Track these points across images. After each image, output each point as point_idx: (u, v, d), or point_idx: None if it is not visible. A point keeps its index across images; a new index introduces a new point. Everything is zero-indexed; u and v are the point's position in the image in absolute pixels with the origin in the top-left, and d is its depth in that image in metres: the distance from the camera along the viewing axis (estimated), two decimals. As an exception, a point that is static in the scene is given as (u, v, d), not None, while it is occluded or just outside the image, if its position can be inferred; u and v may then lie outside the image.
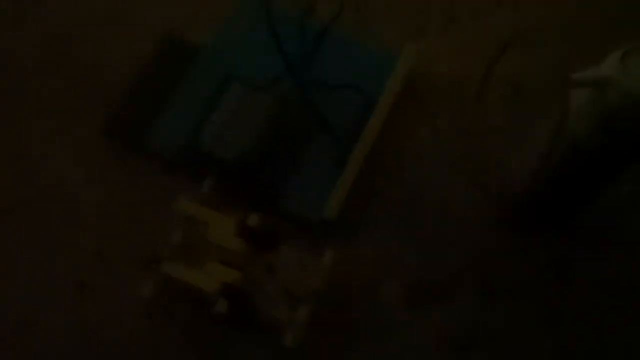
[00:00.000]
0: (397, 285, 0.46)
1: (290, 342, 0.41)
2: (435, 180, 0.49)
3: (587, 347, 0.44)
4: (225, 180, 0.47)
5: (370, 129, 0.48)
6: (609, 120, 0.35)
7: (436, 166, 0.49)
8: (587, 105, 0.35)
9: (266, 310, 0.41)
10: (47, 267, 0.46)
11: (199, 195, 0.45)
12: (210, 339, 0.44)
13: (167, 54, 0.51)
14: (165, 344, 0.44)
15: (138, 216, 0.48)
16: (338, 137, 0.48)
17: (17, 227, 0.48)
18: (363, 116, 0.49)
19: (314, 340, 0.44)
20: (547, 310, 0.45)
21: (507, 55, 0.40)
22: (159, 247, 0.44)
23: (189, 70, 0.51)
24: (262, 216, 0.43)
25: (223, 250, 0.42)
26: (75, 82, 0.52)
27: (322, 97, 0.49)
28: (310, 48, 0.51)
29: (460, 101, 0.51)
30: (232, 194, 0.47)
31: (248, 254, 0.42)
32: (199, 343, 0.44)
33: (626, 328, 0.44)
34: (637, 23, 0.51)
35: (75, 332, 0.45)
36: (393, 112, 0.50)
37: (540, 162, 0.40)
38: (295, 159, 0.48)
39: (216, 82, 0.50)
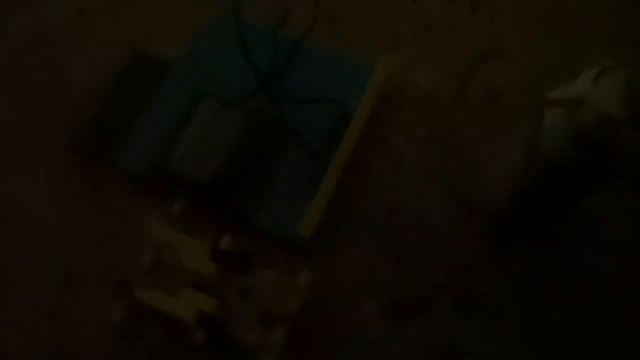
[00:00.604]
0: (377, 302, 0.45)
1: (267, 366, 0.40)
2: (412, 193, 0.48)
3: (566, 354, 0.44)
4: (196, 200, 0.46)
5: (346, 143, 0.47)
6: (583, 137, 0.34)
7: (413, 179, 0.49)
8: (561, 123, 0.35)
9: (241, 335, 0.40)
10: (16, 293, 0.45)
11: (170, 217, 0.44)
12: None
13: (135, 69, 0.50)
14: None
15: (108, 238, 0.46)
16: (313, 151, 0.48)
17: (-17, 253, 0.46)
18: (338, 129, 0.48)
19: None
20: (525, 323, 0.45)
21: (483, 65, 0.40)
22: (129, 271, 0.43)
23: (158, 87, 0.49)
24: (236, 238, 0.42)
25: (196, 274, 0.41)
26: (40, 101, 0.50)
27: (296, 112, 0.48)
28: (283, 61, 0.50)
29: (436, 111, 0.50)
30: (204, 214, 0.46)
31: (221, 278, 0.41)
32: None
33: (604, 338, 0.44)
34: (612, 36, 0.51)
35: (45, 358, 0.44)
36: (369, 124, 0.49)
37: (516, 176, 0.40)
38: (269, 176, 0.47)
39: (186, 98, 0.49)
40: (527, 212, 0.43)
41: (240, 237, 0.45)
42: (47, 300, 0.45)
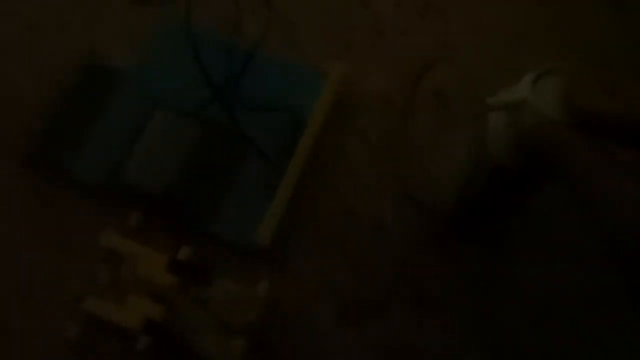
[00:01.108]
0: (333, 306, 0.46)
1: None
2: (367, 196, 0.49)
3: (518, 354, 0.45)
4: (152, 211, 0.46)
5: (301, 149, 0.47)
6: (524, 140, 0.35)
7: (367, 182, 0.49)
8: (503, 127, 0.36)
9: (201, 346, 0.41)
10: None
11: (126, 229, 0.44)
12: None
13: (86, 80, 0.50)
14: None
15: (62, 252, 0.46)
16: (269, 159, 0.48)
17: None
18: (293, 136, 0.48)
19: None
20: (480, 321, 0.46)
21: (433, 71, 0.41)
22: (82, 284, 0.43)
23: (110, 97, 0.49)
24: (193, 249, 0.42)
25: (152, 285, 0.41)
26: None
27: (251, 120, 0.48)
28: (237, 70, 0.50)
29: (388, 115, 0.51)
30: (160, 225, 0.46)
31: (179, 288, 0.41)
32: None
33: (549, 336, 0.45)
34: (552, 41, 0.52)
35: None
36: (323, 129, 0.49)
37: (462, 178, 0.41)
38: (225, 185, 0.47)
39: (140, 109, 0.49)
40: (476, 212, 0.44)
41: (197, 247, 0.45)
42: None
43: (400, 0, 0.55)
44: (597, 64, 0.50)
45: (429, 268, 0.47)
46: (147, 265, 0.41)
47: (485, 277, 0.47)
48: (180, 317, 0.40)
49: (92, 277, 0.42)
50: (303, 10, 0.54)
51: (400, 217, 0.48)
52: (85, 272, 0.44)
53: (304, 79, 0.50)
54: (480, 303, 0.46)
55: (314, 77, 0.50)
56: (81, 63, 0.50)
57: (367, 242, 0.48)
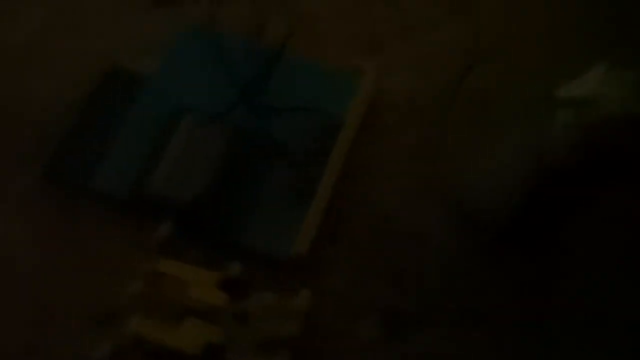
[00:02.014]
0: (375, 320, 0.43)
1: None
2: (405, 203, 0.46)
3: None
4: (181, 222, 0.43)
5: (337, 155, 0.45)
6: (591, 138, 0.33)
7: (405, 188, 0.47)
8: (566, 124, 0.33)
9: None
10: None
11: (155, 242, 0.41)
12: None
13: (106, 86, 0.47)
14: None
15: (88, 269, 0.43)
16: (299, 165, 0.45)
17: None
18: (324, 140, 0.46)
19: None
20: (529, 335, 0.43)
21: (473, 67, 0.38)
22: (113, 302, 0.41)
23: (133, 103, 0.47)
24: (241, 264, 0.39)
25: (205, 305, 0.39)
26: (5, 126, 0.47)
27: (280, 124, 0.46)
28: (262, 72, 0.48)
29: (423, 117, 0.49)
30: (189, 237, 0.43)
31: (219, 305, 0.39)
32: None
33: (611, 351, 0.43)
34: (608, 32, 0.50)
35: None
36: (355, 133, 0.47)
37: (512, 181, 0.38)
38: (256, 193, 0.45)
39: (164, 116, 0.46)
40: (527, 220, 0.41)
41: (229, 259, 0.43)
42: (25, 336, 0.42)
43: (430, -6, 0.53)
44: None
45: (474, 279, 0.45)
46: (199, 285, 0.38)
47: (535, 289, 0.44)
48: (224, 335, 0.38)
49: (124, 294, 0.40)
50: (328, 7, 0.52)
51: (442, 225, 0.46)
52: (113, 288, 0.41)
53: (332, 79, 0.48)
54: (529, 316, 0.44)
55: (343, 77, 0.48)
56: (101, 68, 0.48)
57: (407, 251, 0.45)
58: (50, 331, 0.42)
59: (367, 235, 0.45)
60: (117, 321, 0.40)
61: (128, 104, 0.47)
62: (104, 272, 0.43)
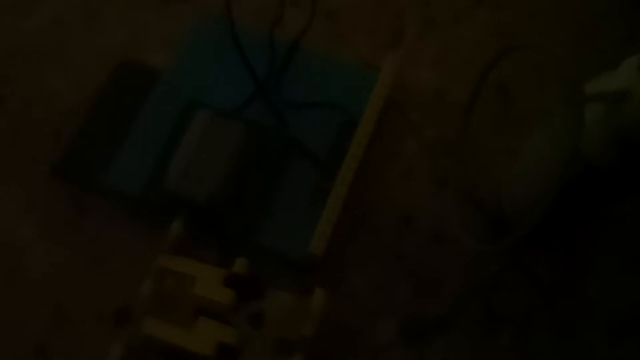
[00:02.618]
0: (394, 322, 0.42)
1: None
2: (424, 201, 0.45)
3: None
4: (195, 220, 0.42)
5: (354, 151, 0.43)
6: (625, 134, 0.31)
7: (426, 185, 0.45)
8: (598, 120, 0.32)
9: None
10: (1, 332, 0.41)
11: (168, 241, 0.40)
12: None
13: (119, 81, 0.46)
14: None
15: (100, 268, 0.42)
16: (318, 161, 0.44)
17: (-37, 289, 0.42)
18: (343, 136, 0.45)
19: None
20: (555, 338, 0.42)
21: (498, 62, 0.36)
22: (127, 302, 0.40)
23: (146, 99, 0.45)
24: (248, 261, 0.38)
25: (209, 302, 0.37)
26: (16, 119, 0.46)
27: (297, 119, 0.45)
28: (280, 66, 0.46)
29: (445, 112, 0.47)
30: (203, 236, 0.42)
31: (232, 305, 0.38)
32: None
33: (636, 354, 0.41)
34: (631, 23, 0.48)
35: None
36: (375, 128, 0.45)
37: (542, 180, 0.36)
38: (272, 191, 0.43)
39: (178, 111, 0.45)
40: (553, 219, 0.39)
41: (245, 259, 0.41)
42: (36, 337, 0.41)
43: (454, -14, 0.51)
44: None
45: (498, 280, 0.43)
46: (203, 282, 0.37)
47: (560, 290, 0.43)
48: (239, 337, 0.37)
49: (136, 294, 0.39)
50: (347, 0, 0.51)
51: (464, 226, 0.44)
52: (126, 287, 0.40)
53: (351, 73, 0.47)
54: (555, 319, 0.42)
55: (361, 71, 0.47)
56: (115, 63, 0.47)
57: (428, 251, 0.44)
58: (61, 331, 0.41)
59: (386, 236, 0.44)
60: (130, 321, 0.39)
61: (141, 99, 0.45)
62: (117, 271, 0.42)
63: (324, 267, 0.43)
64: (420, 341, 0.42)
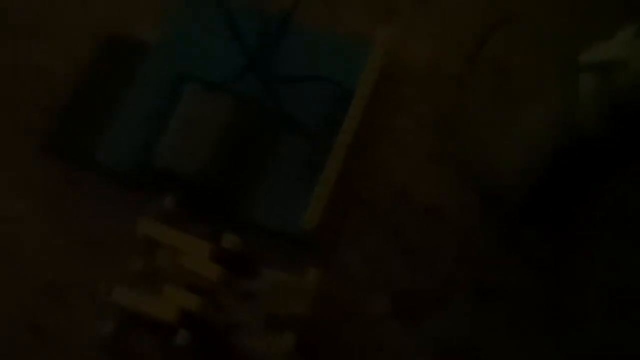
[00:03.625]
0: (387, 298, 0.42)
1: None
2: (418, 176, 0.45)
3: (588, 348, 0.41)
4: (186, 195, 0.42)
5: (348, 125, 0.43)
6: (620, 104, 0.31)
7: (419, 161, 0.45)
8: (592, 90, 0.31)
9: (249, 344, 0.37)
10: (-6, 309, 0.41)
11: (160, 215, 0.40)
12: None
13: (109, 54, 0.45)
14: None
15: (91, 243, 0.42)
16: (310, 136, 0.44)
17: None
18: (335, 111, 0.44)
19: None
20: (547, 312, 0.42)
21: (492, 34, 0.36)
22: (115, 278, 0.39)
23: (136, 72, 0.45)
24: (238, 236, 0.38)
25: (196, 277, 0.37)
26: (6, 97, 0.46)
27: (289, 94, 0.44)
28: (271, 38, 0.46)
29: (439, 87, 0.47)
30: (194, 212, 0.42)
31: (224, 280, 0.37)
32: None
33: (628, 328, 0.41)
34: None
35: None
36: (368, 103, 0.45)
37: (536, 153, 0.36)
38: (264, 166, 0.43)
39: (168, 84, 0.45)
40: (548, 192, 0.39)
41: (237, 235, 0.41)
42: (29, 313, 0.41)
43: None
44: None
45: (490, 255, 0.43)
46: (190, 255, 0.37)
47: (553, 264, 0.43)
48: (225, 312, 0.36)
49: (125, 270, 0.38)
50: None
51: (458, 200, 0.44)
52: (117, 265, 0.40)
53: (344, 47, 0.46)
54: (547, 293, 0.42)
55: (356, 46, 0.46)
56: (103, 36, 0.46)
57: (421, 227, 0.44)
58: (55, 308, 0.41)
59: (380, 211, 0.44)
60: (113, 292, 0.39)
61: (131, 73, 0.45)
62: (109, 247, 0.42)
63: (317, 242, 0.42)
64: (413, 316, 0.42)
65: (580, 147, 0.34)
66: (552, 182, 0.37)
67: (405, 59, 0.47)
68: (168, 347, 0.39)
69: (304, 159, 0.43)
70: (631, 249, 0.43)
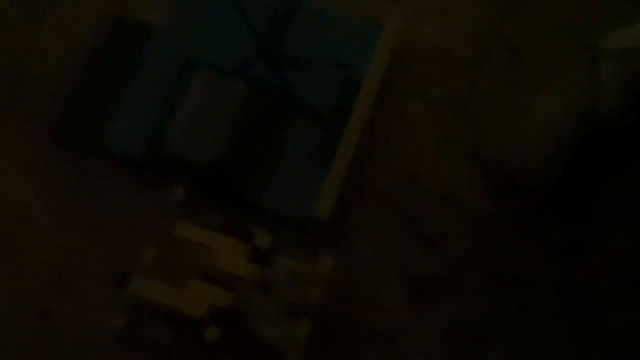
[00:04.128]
0: (401, 284, 0.42)
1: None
2: (431, 160, 0.44)
3: (604, 330, 0.41)
4: (198, 183, 0.41)
5: (359, 111, 0.42)
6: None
7: (431, 144, 0.44)
8: (614, 76, 0.31)
9: (265, 332, 0.36)
10: (5, 296, 0.41)
11: (172, 206, 0.40)
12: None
13: (116, 38, 0.44)
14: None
15: (100, 230, 0.42)
16: (321, 121, 0.43)
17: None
18: (347, 95, 0.44)
19: (318, 353, 0.40)
20: (560, 295, 0.42)
21: (506, 17, 0.35)
22: (128, 264, 0.39)
23: (143, 56, 0.44)
24: (268, 233, 0.38)
25: (234, 277, 0.37)
26: (11, 80, 0.45)
27: (300, 78, 0.44)
28: (281, 23, 0.45)
29: (451, 68, 0.46)
30: (206, 198, 0.41)
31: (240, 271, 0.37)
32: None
33: (636, 309, 0.41)
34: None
35: (42, 359, 0.40)
36: (379, 88, 0.44)
37: (555, 139, 0.36)
38: (276, 152, 0.42)
39: (177, 69, 0.44)
40: (565, 177, 0.39)
41: (248, 223, 0.41)
42: (39, 300, 0.41)
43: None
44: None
45: (505, 240, 0.43)
46: (227, 256, 0.37)
47: (566, 247, 0.42)
48: (243, 302, 0.36)
49: (138, 257, 0.38)
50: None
51: (470, 183, 0.43)
52: (126, 250, 0.40)
53: (355, 31, 0.45)
54: (563, 277, 0.42)
55: (366, 28, 0.45)
56: (111, 19, 0.45)
57: (435, 212, 0.43)
58: (65, 294, 0.41)
59: (392, 196, 0.43)
60: (130, 285, 0.39)
61: (138, 58, 0.44)
62: (118, 234, 0.41)
63: (329, 229, 0.42)
64: (427, 302, 0.41)
65: (601, 134, 0.33)
66: (572, 167, 0.37)
67: (417, 42, 0.47)
68: (183, 336, 0.39)
69: (316, 144, 0.43)
70: (637, 230, 0.42)
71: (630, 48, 0.29)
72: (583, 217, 0.43)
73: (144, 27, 0.45)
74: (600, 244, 0.43)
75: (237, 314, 0.36)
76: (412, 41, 0.47)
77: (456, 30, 0.47)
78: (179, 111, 0.41)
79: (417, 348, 0.41)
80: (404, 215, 0.43)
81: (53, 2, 0.47)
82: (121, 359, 0.40)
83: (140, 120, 0.43)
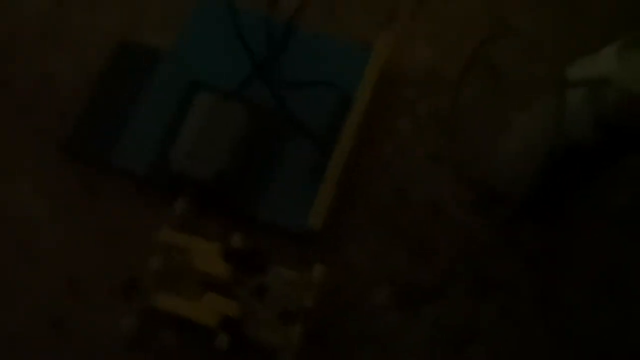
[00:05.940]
0: (389, 290, 0.44)
1: (287, 365, 0.39)
2: (418, 175, 0.47)
3: (581, 335, 0.44)
4: (200, 198, 0.44)
5: (349, 128, 0.45)
6: (607, 118, 0.33)
7: (419, 160, 0.47)
8: (582, 103, 0.33)
9: (262, 336, 0.39)
10: (18, 306, 0.43)
11: (173, 217, 0.42)
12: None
13: (123, 60, 0.47)
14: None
15: (109, 242, 0.44)
16: (315, 139, 0.46)
17: (-20, 265, 0.44)
18: (340, 114, 0.47)
19: (311, 356, 0.42)
20: (540, 301, 0.44)
21: (491, 41, 0.38)
22: (136, 274, 0.42)
23: (149, 78, 0.47)
24: (245, 235, 0.40)
25: (209, 276, 0.40)
26: (23, 101, 0.48)
27: (295, 98, 0.47)
28: (277, 46, 0.48)
29: (437, 89, 0.49)
30: (208, 213, 0.44)
31: (235, 278, 0.40)
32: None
33: (613, 315, 0.44)
34: (621, 10, 0.49)
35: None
36: (369, 105, 0.47)
37: (531, 157, 0.38)
38: (273, 168, 0.45)
39: (181, 90, 0.47)
40: (540, 192, 0.42)
41: (248, 234, 0.43)
42: (51, 310, 0.43)
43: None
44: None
45: (486, 249, 0.45)
46: (202, 255, 0.39)
47: (546, 256, 0.45)
48: (241, 307, 0.39)
49: (144, 267, 0.41)
50: (342, -21, 0.52)
51: (456, 197, 0.46)
52: (134, 260, 0.42)
53: (347, 52, 0.48)
54: (541, 283, 0.45)
55: (357, 50, 0.48)
56: (117, 43, 0.48)
57: (421, 223, 0.46)
58: (75, 305, 0.43)
59: (382, 207, 0.46)
60: (140, 293, 0.41)
61: (144, 80, 0.47)
62: (126, 245, 0.44)
63: (322, 239, 0.45)
64: (413, 307, 0.44)
65: (571, 154, 0.36)
66: (546, 184, 0.40)
67: (405, 63, 0.49)
68: (190, 341, 0.41)
69: (310, 160, 0.46)
70: (619, 243, 0.45)
71: (595, 77, 0.32)
72: (561, 227, 0.45)
73: (148, 50, 0.48)
74: (578, 252, 0.45)
75: (240, 321, 0.39)
76: (400, 62, 0.49)
77: (443, 53, 0.49)
78: (183, 131, 0.44)
79: (406, 350, 0.43)
80: (393, 227, 0.46)
81: (59, 25, 0.49)
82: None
83: (146, 139, 0.45)
